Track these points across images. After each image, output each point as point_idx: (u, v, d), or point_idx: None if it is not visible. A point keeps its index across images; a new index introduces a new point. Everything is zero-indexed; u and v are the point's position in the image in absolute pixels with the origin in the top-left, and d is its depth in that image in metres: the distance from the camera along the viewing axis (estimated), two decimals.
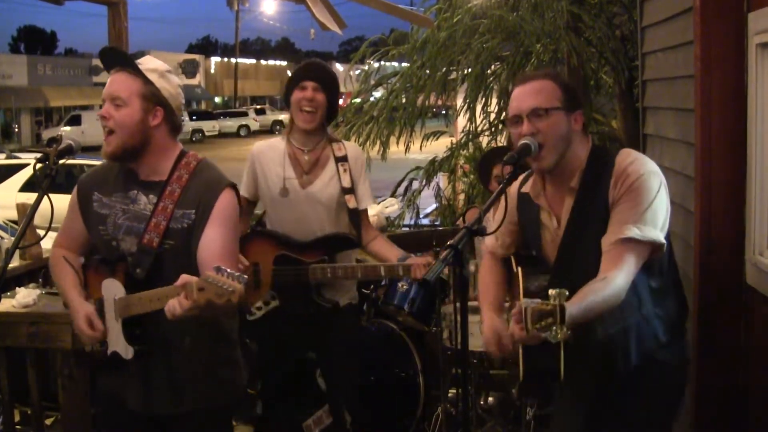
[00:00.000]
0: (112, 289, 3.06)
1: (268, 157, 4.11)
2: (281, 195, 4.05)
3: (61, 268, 3.25)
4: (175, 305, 2.74)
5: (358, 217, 4.13)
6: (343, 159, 4.10)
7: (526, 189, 3.17)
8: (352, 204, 4.08)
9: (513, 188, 3.24)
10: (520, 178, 3.22)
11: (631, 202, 2.83)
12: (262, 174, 4.11)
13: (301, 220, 4.06)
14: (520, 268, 3.01)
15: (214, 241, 3.03)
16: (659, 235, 2.83)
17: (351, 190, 4.08)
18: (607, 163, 2.93)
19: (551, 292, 2.37)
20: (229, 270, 2.64)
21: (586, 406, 3.11)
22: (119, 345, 3.07)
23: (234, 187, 3.16)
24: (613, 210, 2.87)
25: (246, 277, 2.69)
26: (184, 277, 2.73)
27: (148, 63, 3.13)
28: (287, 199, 4.05)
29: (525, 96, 2.94)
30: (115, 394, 3.22)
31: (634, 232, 2.78)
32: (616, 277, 2.72)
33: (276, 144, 4.15)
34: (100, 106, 3.11)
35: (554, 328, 2.33)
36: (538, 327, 2.37)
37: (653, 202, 2.83)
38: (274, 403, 4.39)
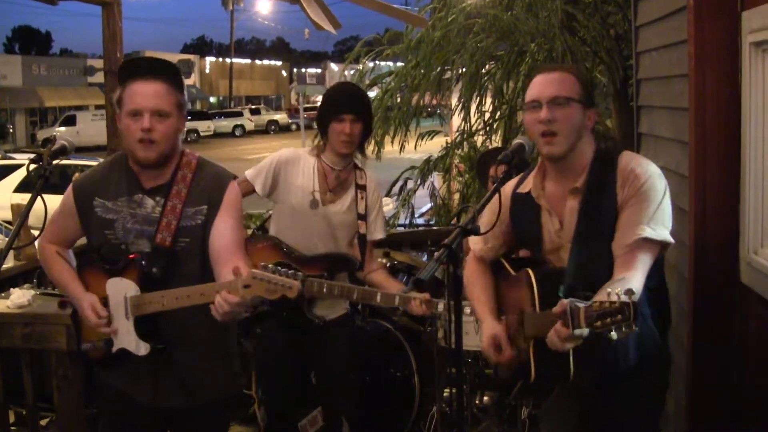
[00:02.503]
0: (121, 287, 3.11)
1: (297, 167, 4.15)
2: (311, 207, 4.09)
3: (58, 262, 3.30)
4: (222, 302, 2.84)
5: (365, 244, 4.21)
6: (363, 188, 4.21)
7: (522, 190, 3.17)
8: (363, 230, 4.18)
9: (507, 188, 3.24)
10: (516, 179, 3.22)
11: (642, 203, 2.86)
12: (285, 181, 4.14)
13: (311, 234, 4.11)
14: (529, 269, 3.00)
15: (226, 231, 3.15)
16: (669, 235, 2.88)
17: (364, 217, 4.18)
18: (611, 164, 2.97)
19: (615, 290, 2.43)
20: (282, 268, 2.79)
21: (580, 405, 3.12)
22: (129, 342, 3.12)
23: (235, 178, 3.30)
24: (623, 210, 2.90)
25: (301, 273, 2.85)
26: (231, 274, 2.86)
27: (170, 65, 3.18)
28: (313, 211, 4.10)
29: (548, 83, 2.98)
30: (121, 389, 3.27)
31: (648, 231, 2.82)
32: (633, 278, 2.74)
33: (305, 156, 4.18)
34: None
35: (623, 326, 2.38)
36: (599, 325, 2.41)
37: (662, 203, 2.89)
38: (278, 411, 4.38)
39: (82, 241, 3.35)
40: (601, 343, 2.87)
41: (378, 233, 4.27)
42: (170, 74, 3.11)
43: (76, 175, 3.25)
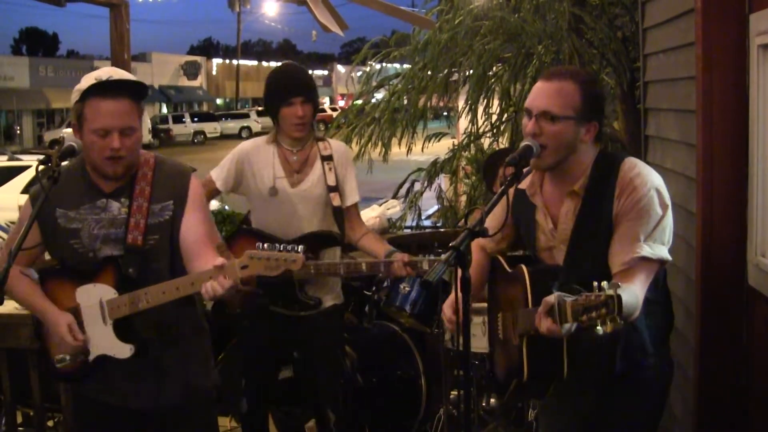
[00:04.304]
0: (94, 293, 3.12)
1: (258, 157, 4.17)
2: (270, 194, 4.11)
3: (22, 282, 3.26)
4: (215, 287, 2.89)
5: (341, 215, 4.19)
6: (329, 158, 4.18)
7: (522, 186, 3.15)
8: (336, 202, 4.16)
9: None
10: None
11: (641, 219, 2.83)
12: (251, 174, 4.16)
13: (289, 219, 4.13)
14: (523, 266, 2.99)
15: (196, 225, 3.20)
16: (667, 253, 2.85)
17: (336, 188, 4.16)
18: (612, 171, 2.92)
19: (601, 283, 2.42)
20: (280, 245, 2.85)
21: (574, 407, 3.12)
22: (109, 347, 3.12)
23: (195, 171, 3.33)
24: (620, 222, 2.87)
25: (302, 246, 2.86)
26: (221, 260, 2.91)
27: (123, 75, 3.16)
28: (276, 198, 4.11)
29: (542, 94, 2.92)
30: (97, 399, 3.27)
31: (646, 250, 2.79)
32: (634, 288, 2.73)
33: (263, 145, 4.21)
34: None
35: (607, 320, 2.37)
36: (585, 319, 2.40)
37: (662, 220, 2.85)
38: (258, 402, 4.41)
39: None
40: (591, 346, 2.88)
41: (352, 197, 4.24)
42: (133, 91, 3.10)
43: (32, 189, 3.21)
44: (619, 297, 2.36)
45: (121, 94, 3.04)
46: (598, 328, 2.38)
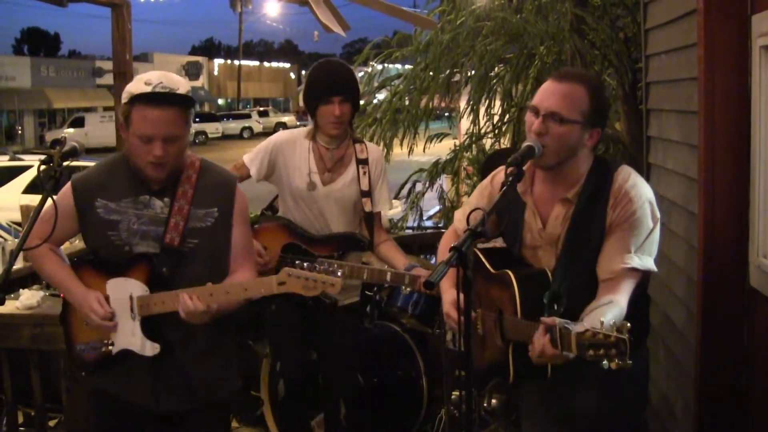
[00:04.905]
0: (125, 287, 3.13)
1: (293, 150, 4.15)
2: (308, 189, 4.10)
3: (51, 259, 3.30)
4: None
5: (372, 220, 4.19)
6: (365, 162, 4.17)
7: None
8: (368, 208, 4.16)
9: (497, 177, 3.27)
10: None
11: (633, 230, 2.89)
12: (284, 165, 4.15)
13: (316, 215, 4.13)
14: (509, 271, 2.99)
15: (241, 238, 3.29)
16: (653, 264, 2.94)
17: (368, 194, 4.16)
18: (606, 180, 2.96)
19: (608, 321, 2.44)
20: (320, 266, 2.94)
21: (557, 404, 3.13)
22: (134, 343, 3.14)
23: (238, 180, 3.40)
24: (612, 233, 2.92)
25: (342, 271, 2.96)
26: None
27: (182, 85, 3.12)
28: (311, 193, 4.10)
29: (551, 95, 2.92)
30: (116, 394, 3.25)
31: (635, 261, 2.87)
32: (620, 302, 2.79)
33: (300, 138, 4.17)
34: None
35: (616, 359, 2.38)
36: (592, 354, 2.42)
37: (652, 233, 2.93)
38: (295, 381, 4.37)
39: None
40: None
41: (382, 204, 4.24)
42: (182, 102, 3.09)
43: (75, 177, 3.23)
44: (630, 341, 2.39)
45: (169, 103, 3.02)
46: (604, 363, 2.41)
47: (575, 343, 2.48)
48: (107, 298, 3.15)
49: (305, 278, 2.91)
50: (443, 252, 3.35)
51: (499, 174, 3.25)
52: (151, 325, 3.13)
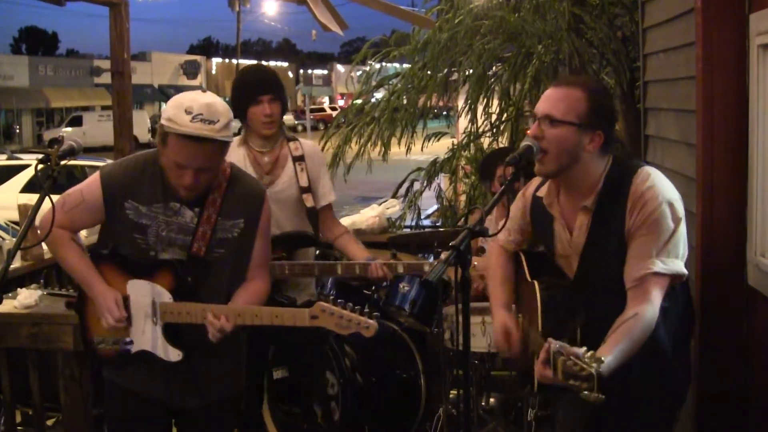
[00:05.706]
0: (146, 291, 3.13)
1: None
2: None
3: (72, 248, 3.27)
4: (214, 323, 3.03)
5: (315, 216, 4.18)
6: (300, 158, 4.16)
7: (540, 193, 3.15)
8: (309, 203, 4.15)
9: (529, 190, 3.25)
10: (537, 181, 3.20)
11: (652, 234, 2.80)
12: None
13: None
14: (536, 282, 2.99)
15: (261, 250, 3.31)
16: (682, 267, 2.83)
17: (308, 189, 4.15)
18: (624, 185, 2.89)
19: (586, 353, 2.39)
20: (354, 306, 3.02)
21: (587, 411, 3.11)
22: (155, 347, 3.15)
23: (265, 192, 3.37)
24: (632, 238, 2.85)
25: (377, 314, 3.03)
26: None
27: (223, 116, 3.02)
28: None
29: (547, 99, 2.93)
30: (131, 389, 3.28)
31: (659, 266, 2.78)
32: (647, 312, 2.73)
33: (233, 147, 4.07)
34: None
35: (586, 392, 2.35)
36: (571, 383, 2.39)
37: (675, 233, 2.81)
38: (255, 397, 4.44)
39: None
40: None
41: (327, 197, 4.24)
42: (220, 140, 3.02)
43: (104, 163, 3.22)
44: (599, 376, 2.33)
45: (206, 140, 2.96)
46: (584, 393, 2.37)
47: (561, 370, 2.43)
48: (127, 298, 3.15)
49: (339, 316, 2.94)
50: (494, 281, 3.36)
51: (530, 187, 3.25)
52: (172, 331, 3.13)
